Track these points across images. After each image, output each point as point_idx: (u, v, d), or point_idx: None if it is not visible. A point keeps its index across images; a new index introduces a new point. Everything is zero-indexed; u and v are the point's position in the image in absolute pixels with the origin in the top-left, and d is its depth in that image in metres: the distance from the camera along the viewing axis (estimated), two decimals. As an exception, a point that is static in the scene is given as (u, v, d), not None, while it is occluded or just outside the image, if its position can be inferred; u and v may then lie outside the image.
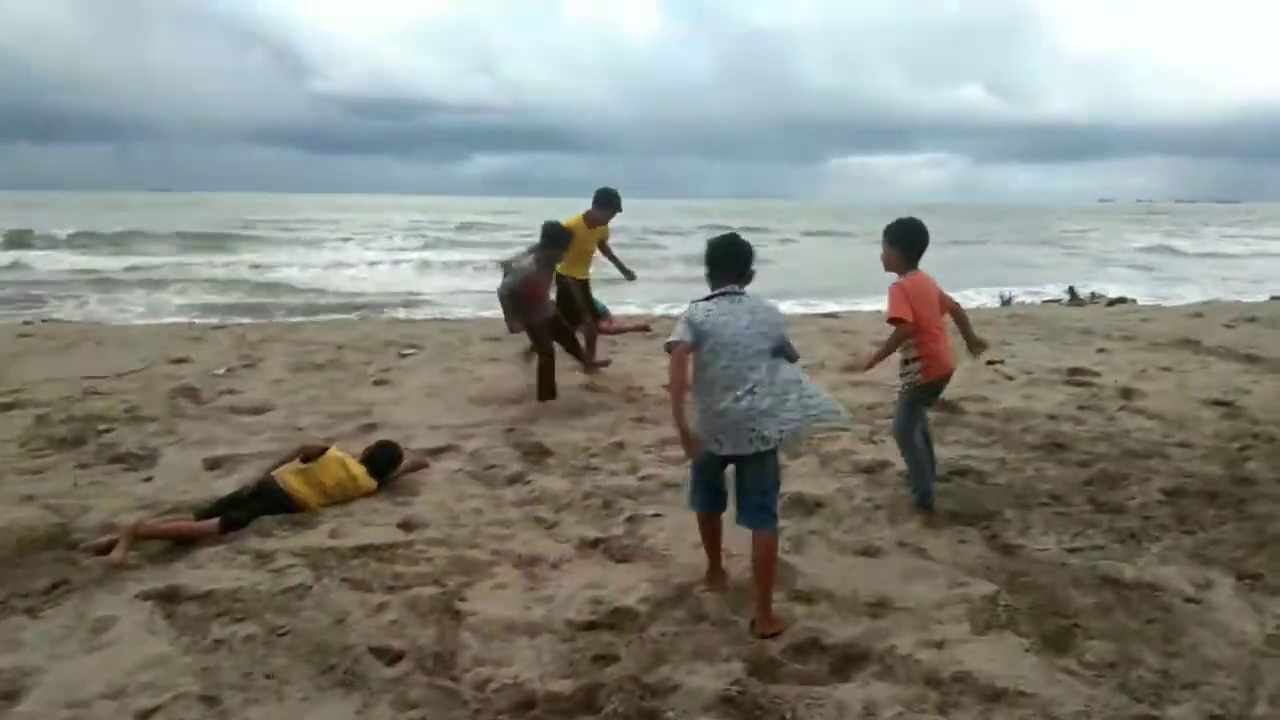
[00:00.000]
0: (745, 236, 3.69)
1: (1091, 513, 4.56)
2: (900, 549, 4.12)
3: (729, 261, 3.56)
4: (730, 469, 3.50)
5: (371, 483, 4.81)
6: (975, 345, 4.81)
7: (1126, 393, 7.23)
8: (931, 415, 6.38)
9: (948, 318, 4.68)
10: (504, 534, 4.30)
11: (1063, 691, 2.90)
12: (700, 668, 3.05)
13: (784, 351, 3.51)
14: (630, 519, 4.46)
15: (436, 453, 5.62)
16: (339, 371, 8.44)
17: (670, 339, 3.39)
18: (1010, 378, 7.85)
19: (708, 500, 3.62)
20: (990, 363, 8.17)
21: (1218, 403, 6.94)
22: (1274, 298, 17.78)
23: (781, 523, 4.37)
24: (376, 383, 7.93)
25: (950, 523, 4.41)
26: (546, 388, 6.86)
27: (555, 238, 6.89)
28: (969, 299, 17.34)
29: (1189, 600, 3.60)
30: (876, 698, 2.88)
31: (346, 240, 40.22)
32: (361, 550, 4.02)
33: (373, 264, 29.10)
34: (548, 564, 3.95)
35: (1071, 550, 4.08)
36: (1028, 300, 17.95)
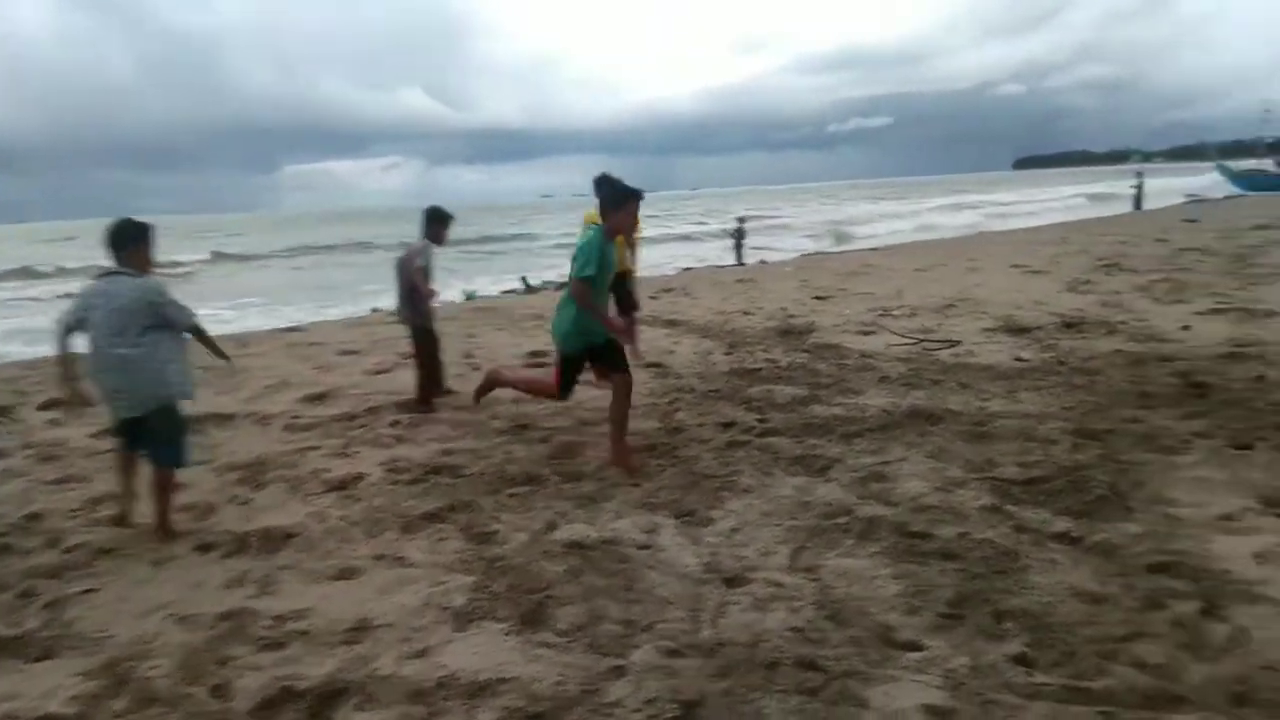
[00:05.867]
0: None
1: (557, 484, 4.85)
2: (379, 562, 3.94)
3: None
4: None
5: None
6: None
7: (577, 367, 7.91)
8: (405, 417, 6.35)
9: None
10: None
11: (541, 666, 2.98)
12: (151, 762, 2.58)
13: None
14: (50, 604, 3.65)
15: None
16: None
17: None
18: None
19: None
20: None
21: (651, 365, 7.91)
22: (686, 269, 21.08)
23: (248, 564, 3.99)
24: None
25: (429, 524, 4.35)
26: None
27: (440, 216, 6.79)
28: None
29: (642, 547, 3.97)
30: (360, 732, 2.69)
31: None
32: None
33: None
34: (-70, 689, 3.06)
35: (542, 525, 4.27)
36: (487, 292, 18.89)
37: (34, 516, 4.69)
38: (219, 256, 39.70)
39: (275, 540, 4.23)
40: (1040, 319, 9.14)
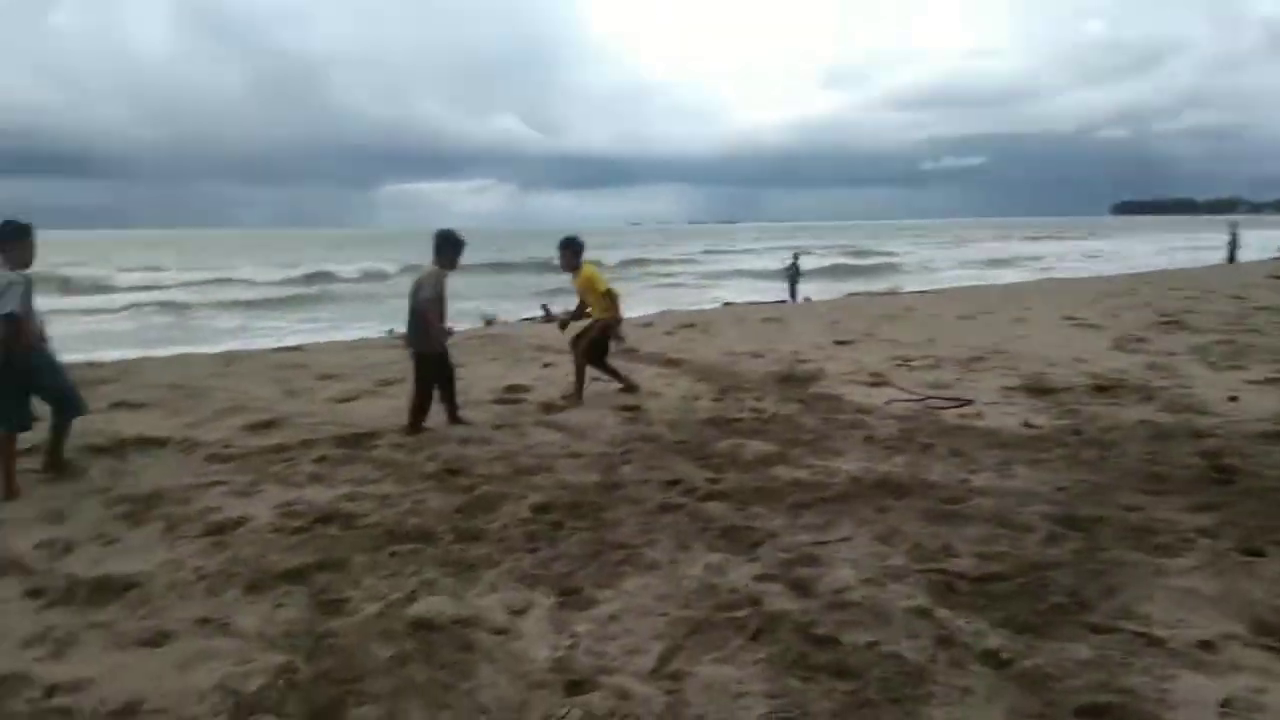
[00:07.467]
0: None
1: (449, 543, 4.34)
2: (198, 629, 3.48)
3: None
4: None
5: None
6: None
7: (548, 407, 7.42)
8: (337, 453, 5.94)
9: None
10: None
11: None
12: None
13: None
14: None
15: None
16: None
17: None
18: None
19: None
20: None
21: (626, 408, 7.37)
22: (726, 304, 20.48)
23: (61, 617, 3.59)
24: None
25: (281, 584, 3.89)
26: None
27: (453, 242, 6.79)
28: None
29: (498, 632, 3.43)
30: None
31: None
32: None
33: None
34: None
35: (402, 594, 3.77)
36: (509, 318, 18.46)
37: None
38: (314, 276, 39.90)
39: (108, 591, 3.81)
40: (1072, 379, 8.29)
